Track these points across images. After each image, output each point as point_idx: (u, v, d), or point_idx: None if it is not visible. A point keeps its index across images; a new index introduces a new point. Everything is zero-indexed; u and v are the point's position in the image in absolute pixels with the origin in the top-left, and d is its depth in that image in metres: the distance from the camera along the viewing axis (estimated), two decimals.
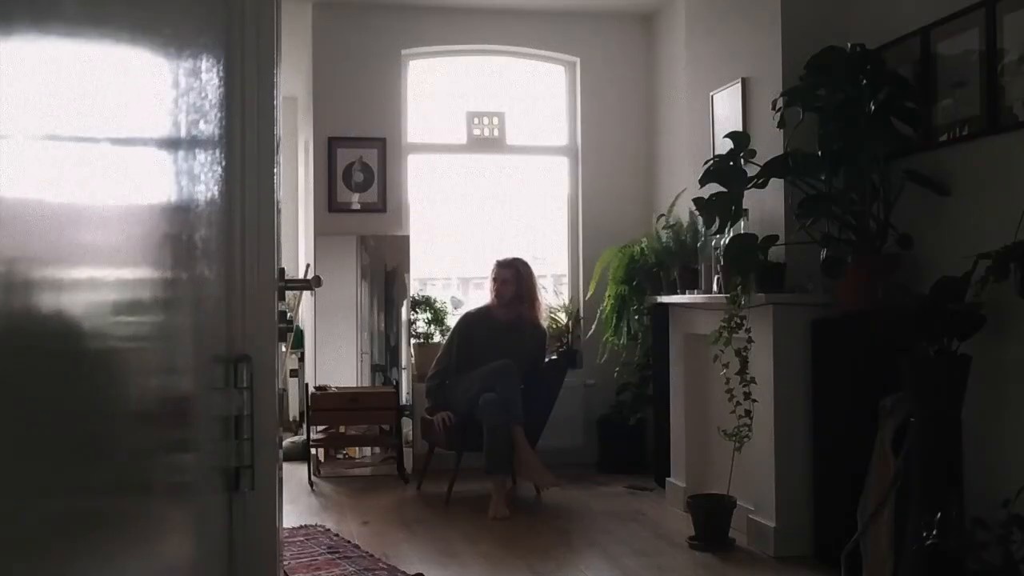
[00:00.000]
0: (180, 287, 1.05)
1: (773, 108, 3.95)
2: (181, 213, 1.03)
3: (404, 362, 6.17)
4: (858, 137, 3.66)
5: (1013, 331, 3.17)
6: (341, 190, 6.14)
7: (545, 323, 5.73)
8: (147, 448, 0.94)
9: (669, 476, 5.07)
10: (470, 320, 5.50)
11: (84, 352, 0.75)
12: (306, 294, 6.67)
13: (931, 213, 3.61)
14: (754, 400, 3.92)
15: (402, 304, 6.22)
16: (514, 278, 5.39)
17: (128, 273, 0.88)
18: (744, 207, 4.06)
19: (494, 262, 5.53)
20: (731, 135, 4.13)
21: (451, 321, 6.12)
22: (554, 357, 5.66)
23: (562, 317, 6.44)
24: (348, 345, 6.25)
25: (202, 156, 1.09)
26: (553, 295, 6.61)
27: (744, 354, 3.93)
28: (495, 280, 5.46)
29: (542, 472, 5.02)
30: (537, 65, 6.61)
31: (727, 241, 4.12)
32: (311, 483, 5.63)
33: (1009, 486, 2.99)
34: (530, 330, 5.42)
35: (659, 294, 5.16)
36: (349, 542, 4.27)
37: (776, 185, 4.05)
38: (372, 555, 4.05)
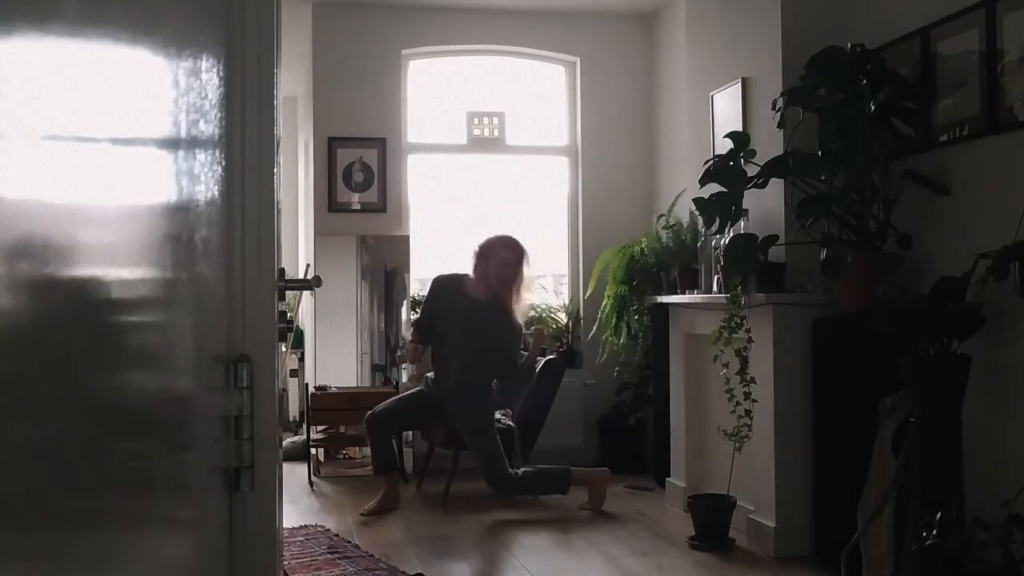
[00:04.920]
0: (180, 287, 1.05)
1: (773, 108, 3.95)
2: (181, 213, 1.03)
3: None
4: (858, 137, 3.66)
5: (1013, 331, 3.17)
6: (341, 190, 6.14)
7: (522, 319, 5.16)
8: (147, 448, 0.94)
9: (669, 476, 5.07)
10: (444, 286, 5.11)
11: (84, 352, 0.75)
12: (306, 294, 6.67)
13: (931, 213, 3.61)
14: (754, 400, 3.92)
15: (402, 304, 6.22)
16: (516, 268, 5.00)
17: (128, 273, 0.88)
18: (744, 207, 4.06)
19: (495, 238, 5.08)
20: (731, 135, 4.13)
21: None
22: (553, 357, 5.66)
23: (562, 317, 6.44)
24: (348, 345, 6.25)
25: (202, 156, 1.09)
26: (553, 295, 6.61)
27: (744, 354, 3.93)
28: (501, 264, 4.98)
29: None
30: (537, 65, 6.61)
31: (727, 241, 4.12)
32: (311, 483, 5.63)
33: (1009, 486, 2.99)
34: (504, 319, 4.99)
35: (659, 294, 5.16)
36: (349, 542, 4.27)
37: (776, 185, 4.05)
38: (372, 555, 4.05)
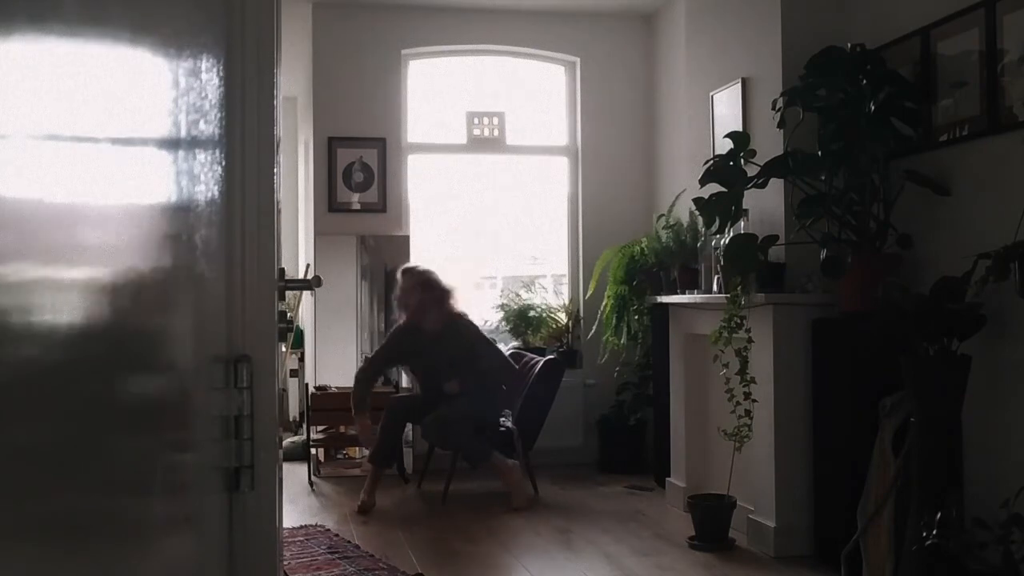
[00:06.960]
0: (180, 287, 1.05)
1: (773, 108, 3.95)
2: (181, 213, 1.03)
3: None
4: (858, 137, 3.66)
5: (1013, 331, 3.17)
6: (341, 190, 6.14)
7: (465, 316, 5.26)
8: (147, 448, 0.94)
9: (669, 476, 5.06)
10: (401, 335, 5.28)
11: (83, 352, 0.75)
12: (306, 294, 6.67)
13: (931, 213, 3.61)
14: (754, 400, 3.92)
15: None
16: (412, 287, 5.16)
17: (128, 273, 0.88)
18: (744, 207, 4.06)
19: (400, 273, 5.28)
20: (731, 135, 4.13)
21: None
22: (553, 357, 5.66)
23: (562, 317, 6.44)
24: (348, 345, 6.25)
25: (202, 156, 1.09)
26: (553, 295, 6.61)
27: (744, 354, 3.93)
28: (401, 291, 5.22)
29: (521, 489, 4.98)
30: (537, 65, 6.61)
31: (727, 241, 4.12)
32: (311, 483, 5.63)
33: (1009, 486, 2.99)
34: (451, 329, 5.13)
35: (659, 294, 5.16)
36: (349, 542, 4.27)
37: (776, 185, 4.05)
38: (372, 555, 4.05)
